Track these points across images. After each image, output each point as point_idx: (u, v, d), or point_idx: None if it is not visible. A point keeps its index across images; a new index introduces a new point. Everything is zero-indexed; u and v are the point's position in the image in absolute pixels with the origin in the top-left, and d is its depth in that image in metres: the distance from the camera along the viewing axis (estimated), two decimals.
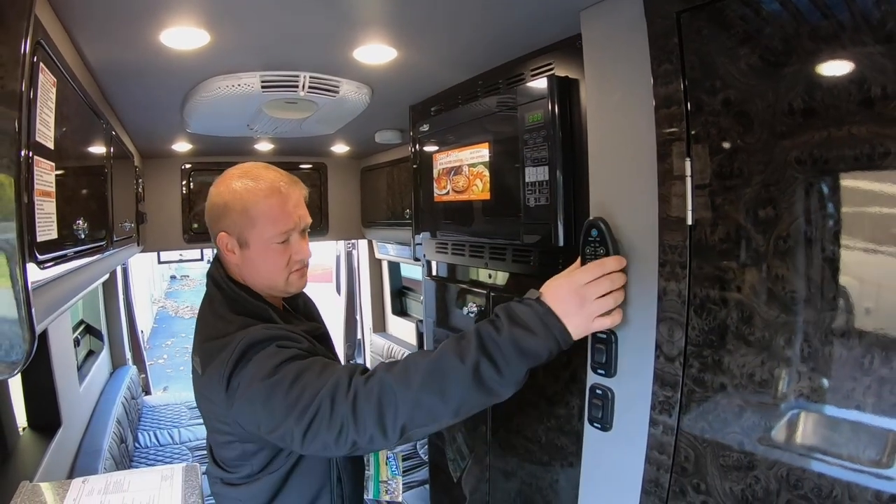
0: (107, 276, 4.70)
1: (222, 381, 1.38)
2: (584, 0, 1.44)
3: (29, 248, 1.06)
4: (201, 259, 5.91)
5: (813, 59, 0.99)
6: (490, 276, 2.10)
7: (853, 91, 0.93)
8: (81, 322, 4.84)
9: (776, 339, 1.06)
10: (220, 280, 1.57)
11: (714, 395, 1.17)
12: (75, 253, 1.54)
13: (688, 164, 1.18)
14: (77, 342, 4.34)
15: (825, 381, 0.99)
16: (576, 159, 1.59)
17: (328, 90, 2.23)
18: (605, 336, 1.41)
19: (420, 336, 2.76)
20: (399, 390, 1.24)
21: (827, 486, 0.98)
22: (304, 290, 1.81)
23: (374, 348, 6.01)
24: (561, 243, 1.61)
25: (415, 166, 2.46)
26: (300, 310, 1.80)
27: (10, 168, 1.00)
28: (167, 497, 2.14)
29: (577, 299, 1.28)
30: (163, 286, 21.22)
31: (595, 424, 1.47)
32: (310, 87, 2.18)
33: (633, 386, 1.36)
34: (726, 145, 1.12)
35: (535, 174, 1.66)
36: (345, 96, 2.30)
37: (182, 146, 3.83)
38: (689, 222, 1.18)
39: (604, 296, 1.29)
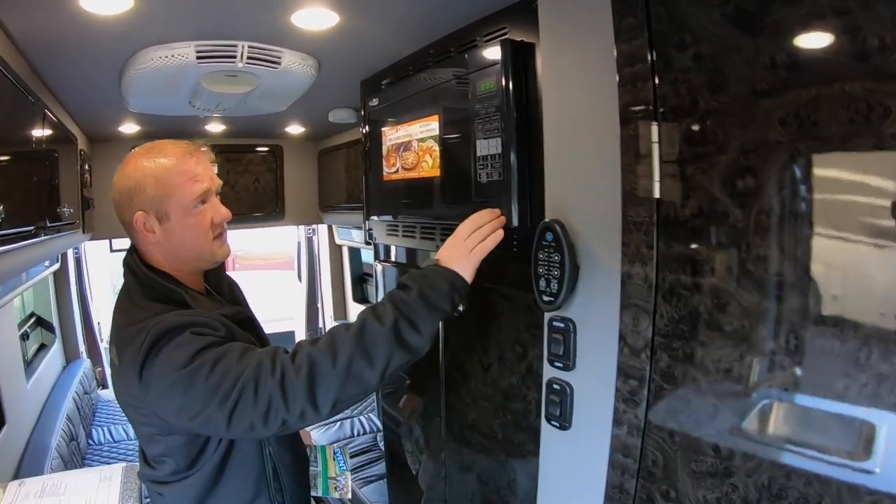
0: (57, 265, 4.57)
1: (136, 368, 1.32)
2: None
3: None
4: None
5: (798, 8, 0.85)
6: None
7: (846, 43, 0.80)
8: (32, 315, 4.66)
9: (757, 329, 0.92)
10: (135, 266, 1.50)
11: (686, 392, 1.04)
12: None
13: (654, 128, 1.03)
14: (26, 336, 4.18)
15: (814, 379, 0.87)
16: (532, 131, 1.44)
17: (269, 61, 2.10)
18: (562, 325, 1.27)
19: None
20: (328, 363, 1.29)
21: (815, 495, 0.86)
22: (234, 276, 1.81)
23: None
24: (515, 223, 1.46)
25: (367, 146, 2.31)
26: (225, 294, 1.73)
27: None
28: (104, 499, 2.12)
29: (455, 244, 1.46)
30: None
31: (553, 422, 1.34)
32: (248, 58, 2.05)
33: (594, 381, 1.23)
34: (698, 106, 0.97)
35: (487, 147, 1.51)
36: (288, 69, 2.16)
37: (129, 128, 3.68)
38: (656, 195, 1.04)
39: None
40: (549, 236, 1.26)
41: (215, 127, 3.89)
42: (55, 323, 4.87)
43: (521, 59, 1.45)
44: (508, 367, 1.63)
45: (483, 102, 1.52)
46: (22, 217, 1.85)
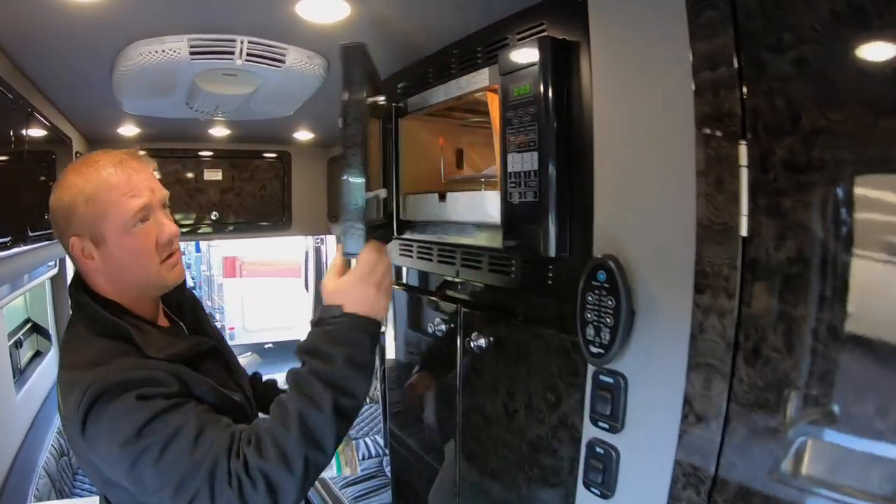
0: (55, 270, 4.44)
1: (78, 426, 1.18)
2: None
3: None
4: None
5: None
6: (461, 288, 1.77)
7: None
8: (28, 321, 4.54)
9: (864, 406, 0.74)
10: (78, 297, 1.35)
11: (765, 474, 0.85)
12: None
13: (742, 149, 0.84)
14: (20, 343, 4.07)
15: None
16: (573, 144, 1.26)
17: (271, 59, 1.92)
18: (610, 380, 1.07)
19: (381, 349, 2.47)
20: (285, 474, 1.17)
21: None
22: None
23: None
24: (552, 252, 1.26)
25: None
26: (186, 318, 1.57)
27: None
28: None
29: (373, 289, 1.31)
30: None
31: (592, 489, 1.16)
32: (248, 55, 1.87)
33: (646, 448, 1.05)
34: (801, 123, 0.78)
35: (519, 162, 1.31)
36: (293, 68, 1.98)
37: (129, 129, 3.51)
38: (743, 233, 0.85)
39: None
40: (601, 275, 1.06)
41: (220, 131, 3.74)
42: (51, 329, 4.71)
43: (562, 60, 1.27)
44: (538, 417, 1.43)
45: (516, 109, 1.33)
46: None
